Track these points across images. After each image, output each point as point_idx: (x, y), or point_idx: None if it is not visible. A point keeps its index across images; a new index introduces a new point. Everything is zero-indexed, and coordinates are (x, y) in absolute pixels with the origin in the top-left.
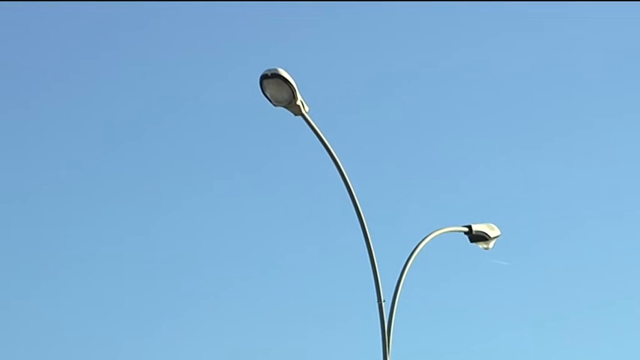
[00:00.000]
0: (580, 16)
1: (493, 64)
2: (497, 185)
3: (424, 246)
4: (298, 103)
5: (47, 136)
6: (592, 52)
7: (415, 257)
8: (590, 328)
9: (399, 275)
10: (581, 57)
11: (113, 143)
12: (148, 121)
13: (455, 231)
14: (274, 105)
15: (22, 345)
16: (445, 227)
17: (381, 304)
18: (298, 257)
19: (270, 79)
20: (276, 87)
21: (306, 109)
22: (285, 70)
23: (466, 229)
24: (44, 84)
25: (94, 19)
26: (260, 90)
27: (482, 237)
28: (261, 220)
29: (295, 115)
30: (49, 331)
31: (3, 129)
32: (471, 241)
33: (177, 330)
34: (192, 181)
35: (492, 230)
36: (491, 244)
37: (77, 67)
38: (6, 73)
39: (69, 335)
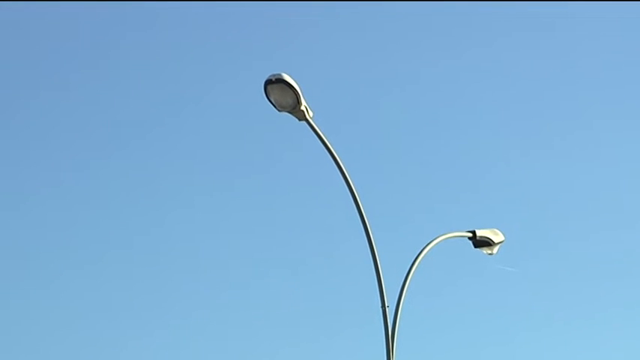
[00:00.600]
0: (579, 17)
1: (495, 66)
2: (501, 190)
3: (428, 251)
4: (302, 108)
5: (51, 138)
6: (593, 53)
7: (419, 262)
8: (595, 333)
9: (402, 280)
10: (582, 58)
11: (118, 144)
12: (152, 123)
13: (459, 236)
14: (278, 110)
15: (26, 345)
16: (449, 232)
17: (385, 309)
18: (302, 262)
19: (274, 84)
20: (280, 92)
21: (311, 114)
22: (290, 75)
23: (470, 235)
24: (48, 85)
25: (98, 21)
26: (264, 95)
27: (486, 242)
28: (265, 225)
29: (299, 120)
30: (53, 332)
31: (7, 131)
32: (475, 246)
33: (180, 332)
34: (195, 184)
35: (496, 235)
36: (496, 249)
37: (81, 68)
38: (9, 74)
39: (73, 336)
